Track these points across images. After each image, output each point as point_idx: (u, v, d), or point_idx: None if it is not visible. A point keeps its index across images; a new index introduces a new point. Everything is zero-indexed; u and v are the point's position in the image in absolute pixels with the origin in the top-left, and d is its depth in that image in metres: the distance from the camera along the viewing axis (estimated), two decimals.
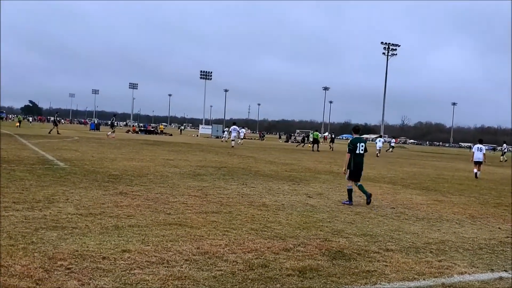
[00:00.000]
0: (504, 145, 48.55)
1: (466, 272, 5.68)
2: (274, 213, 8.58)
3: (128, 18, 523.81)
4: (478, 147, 21.78)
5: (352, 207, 9.85)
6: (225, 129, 58.12)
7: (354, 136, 11.16)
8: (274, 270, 5.16)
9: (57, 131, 41.27)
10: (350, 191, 10.44)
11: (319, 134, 43.14)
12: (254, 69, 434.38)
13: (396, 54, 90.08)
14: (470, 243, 7.28)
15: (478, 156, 21.40)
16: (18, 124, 61.75)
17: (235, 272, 5.01)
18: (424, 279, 5.30)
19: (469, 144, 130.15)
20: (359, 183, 10.62)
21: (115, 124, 42.30)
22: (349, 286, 4.85)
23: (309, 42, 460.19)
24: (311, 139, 45.71)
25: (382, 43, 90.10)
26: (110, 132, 39.36)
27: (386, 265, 5.71)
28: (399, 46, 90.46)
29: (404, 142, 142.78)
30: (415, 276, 5.37)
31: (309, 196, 11.05)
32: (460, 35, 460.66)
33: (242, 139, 49.99)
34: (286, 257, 5.70)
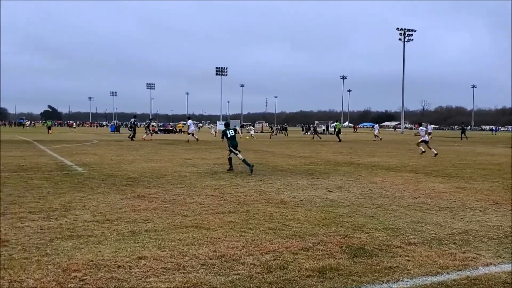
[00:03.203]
0: None
1: (491, 263, 5.45)
2: (292, 210, 8.43)
3: (141, 20, 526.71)
4: None
5: (373, 200, 9.63)
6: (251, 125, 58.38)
7: (225, 128, 15.33)
8: (293, 272, 5.01)
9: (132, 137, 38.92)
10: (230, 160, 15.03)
11: (340, 124, 42.93)
12: (268, 62, 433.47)
13: (413, 39, 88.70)
14: (495, 232, 7.02)
15: None
16: (49, 131, 57.35)
17: (253, 275, 4.87)
18: (447, 273, 5.09)
19: (491, 126, 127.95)
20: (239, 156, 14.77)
21: (137, 125, 41.93)
22: (371, 285, 4.68)
23: (321, 30, 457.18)
24: (331, 130, 45.57)
25: (397, 29, 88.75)
26: (146, 135, 39.44)
27: (409, 260, 5.51)
28: (415, 31, 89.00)
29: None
30: (439, 270, 5.17)
31: (328, 190, 10.85)
32: (479, 16, 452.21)
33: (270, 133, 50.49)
34: (305, 257, 5.54)
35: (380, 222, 7.51)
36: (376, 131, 49.22)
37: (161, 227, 6.89)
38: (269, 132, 55.25)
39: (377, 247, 6.05)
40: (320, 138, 47.09)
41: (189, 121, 39.14)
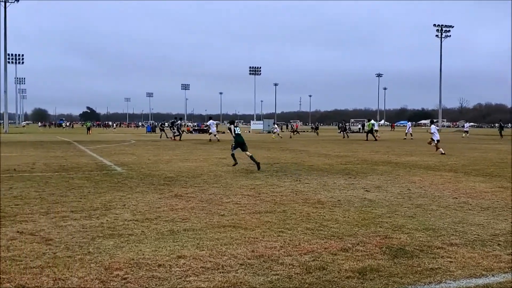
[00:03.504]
0: None
1: None
2: (330, 210, 8.36)
3: (175, 21, 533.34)
4: None
5: (412, 200, 9.45)
6: (275, 124, 57.69)
7: (233, 126, 16.29)
8: (333, 273, 4.96)
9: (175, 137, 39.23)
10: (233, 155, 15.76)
11: (372, 124, 41.88)
12: (302, 61, 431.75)
13: (450, 35, 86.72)
14: None
15: None
16: (88, 132, 58.27)
17: (292, 276, 4.85)
18: (492, 275, 4.94)
19: None
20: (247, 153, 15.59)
21: (174, 126, 41.16)
22: (412, 287, 4.59)
23: (355, 28, 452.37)
24: (366, 129, 44.66)
25: (434, 25, 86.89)
26: (175, 135, 39.14)
27: (451, 261, 5.39)
28: (453, 27, 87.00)
29: (463, 126, 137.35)
30: (483, 272, 5.03)
31: (366, 190, 10.72)
32: None
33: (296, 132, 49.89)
34: (345, 258, 5.48)
35: (420, 223, 7.36)
36: (409, 129, 47.93)
37: (199, 227, 6.95)
38: (289, 132, 54.18)
39: (417, 248, 5.94)
40: (348, 137, 46.55)
41: (210, 121, 38.59)
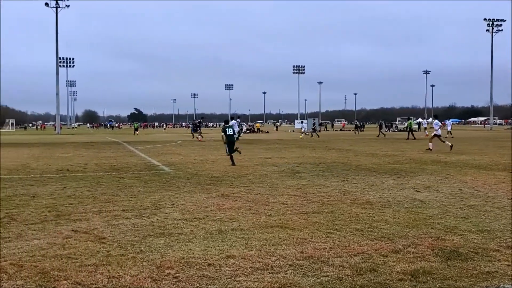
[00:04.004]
0: None
1: None
2: (379, 211, 8.20)
3: (217, 23, 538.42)
4: None
5: (464, 200, 9.15)
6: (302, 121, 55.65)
7: (225, 125, 17.85)
8: (384, 275, 4.86)
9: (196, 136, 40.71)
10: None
11: (412, 122, 41.18)
12: (347, 59, 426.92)
13: (502, 29, 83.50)
14: None
15: None
16: (136, 132, 59.41)
17: (342, 277, 4.79)
18: None
19: None
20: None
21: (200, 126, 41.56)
22: None
23: (401, 24, 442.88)
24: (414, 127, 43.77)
25: (485, 19, 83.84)
26: (200, 136, 38.99)
27: (508, 265, 5.17)
28: (505, 21, 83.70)
29: None
30: None
31: (416, 190, 10.46)
32: None
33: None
34: (396, 260, 5.37)
35: (473, 224, 7.12)
36: (449, 127, 45.91)
37: (247, 226, 6.98)
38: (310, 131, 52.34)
39: (472, 250, 5.74)
40: (385, 136, 45.60)
41: (232, 121, 36.19)
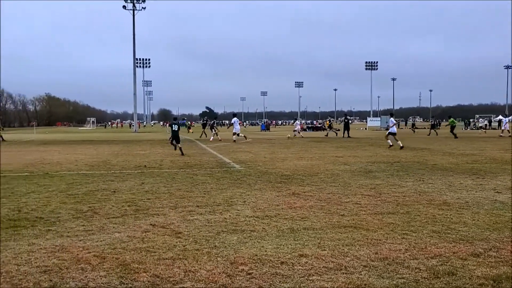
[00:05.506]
0: None
1: None
2: (457, 212, 7.86)
3: (287, 20, 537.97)
4: None
5: None
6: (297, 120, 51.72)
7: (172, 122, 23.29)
8: (463, 279, 4.66)
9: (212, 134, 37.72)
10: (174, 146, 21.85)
11: (455, 121, 38.96)
12: (422, 54, 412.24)
13: None
14: None
15: None
16: (189, 130, 60.91)
17: (419, 280, 4.64)
18: None
19: None
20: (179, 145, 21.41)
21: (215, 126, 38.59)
22: None
23: (478, 18, 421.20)
24: (494, 125, 41.38)
25: None
26: (214, 136, 35.60)
27: None
28: None
29: None
30: None
31: (497, 192, 9.92)
32: None
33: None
34: (476, 264, 5.12)
35: None
36: (505, 125, 41.60)
37: (319, 226, 6.93)
38: (326, 130, 49.30)
39: None
40: (437, 134, 43.51)
41: (234, 119, 35.00)
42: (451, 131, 38.00)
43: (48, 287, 4.51)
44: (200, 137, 41.49)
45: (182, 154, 20.50)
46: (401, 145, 23.53)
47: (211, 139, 34.53)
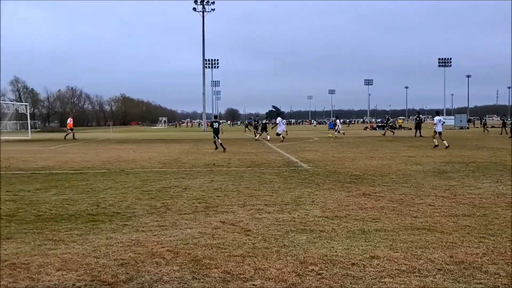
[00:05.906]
0: None
1: None
2: None
3: (356, 17, 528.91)
4: None
5: None
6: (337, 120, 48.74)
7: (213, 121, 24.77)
8: None
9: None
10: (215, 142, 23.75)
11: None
12: (499, 49, 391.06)
13: None
14: None
15: None
16: (246, 129, 60.85)
17: (498, 286, 4.42)
18: None
19: None
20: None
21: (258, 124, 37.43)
22: None
23: None
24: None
25: None
26: (258, 136, 34.74)
27: None
28: None
29: None
30: None
31: None
32: None
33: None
34: None
35: None
36: None
37: (391, 227, 6.76)
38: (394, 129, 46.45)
39: None
40: (488, 132, 41.00)
41: (278, 119, 33.85)
42: (484, 126, 36.65)
43: (125, 279, 4.72)
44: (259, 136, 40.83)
45: (216, 148, 23.00)
46: (447, 144, 23.04)
47: (268, 138, 33.40)
